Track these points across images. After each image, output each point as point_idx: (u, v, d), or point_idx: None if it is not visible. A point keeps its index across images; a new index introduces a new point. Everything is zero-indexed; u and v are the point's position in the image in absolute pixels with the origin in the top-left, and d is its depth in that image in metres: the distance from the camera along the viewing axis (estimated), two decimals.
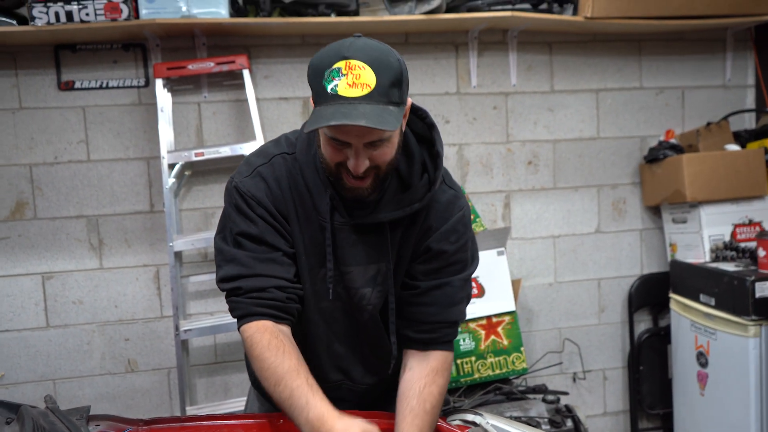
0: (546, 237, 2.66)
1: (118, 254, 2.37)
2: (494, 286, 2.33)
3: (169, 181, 2.21)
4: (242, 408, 2.17)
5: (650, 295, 2.73)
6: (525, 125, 2.60)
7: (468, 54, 2.51)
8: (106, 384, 2.39)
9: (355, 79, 0.98)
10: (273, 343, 1.07)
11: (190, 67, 2.21)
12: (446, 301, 1.17)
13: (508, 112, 2.58)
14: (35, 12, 2.04)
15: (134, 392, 2.41)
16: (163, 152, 2.21)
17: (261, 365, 1.07)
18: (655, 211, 2.74)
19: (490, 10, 2.33)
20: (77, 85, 2.29)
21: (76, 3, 2.04)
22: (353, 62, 0.98)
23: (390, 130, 0.97)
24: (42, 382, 2.35)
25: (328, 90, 0.99)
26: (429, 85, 2.52)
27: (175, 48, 2.33)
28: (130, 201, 2.36)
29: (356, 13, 2.27)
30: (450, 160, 2.55)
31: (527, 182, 2.62)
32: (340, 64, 0.98)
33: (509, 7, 2.34)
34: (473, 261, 1.21)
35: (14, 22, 2.10)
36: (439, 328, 1.18)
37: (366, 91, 0.97)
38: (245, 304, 1.11)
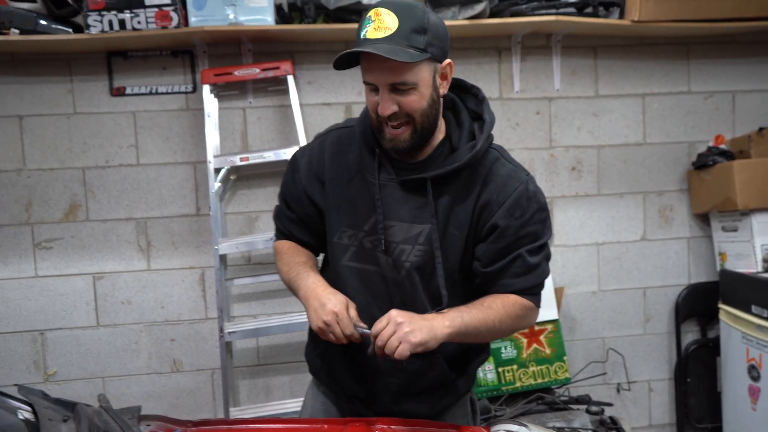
0: (589, 244, 2.62)
1: (165, 256, 2.41)
2: None
3: (215, 185, 2.24)
4: (283, 411, 2.22)
5: (698, 305, 2.66)
6: (568, 130, 2.57)
7: (511, 58, 2.50)
8: (153, 383, 2.44)
9: (380, 23, 1.10)
10: (290, 247, 1.34)
11: (236, 73, 2.25)
12: (521, 270, 1.20)
13: (551, 117, 2.55)
14: (90, 20, 2.11)
15: (179, 392, 2.46)
16: (210, 157, 2.25)
17: (280, 258, 1.33)
18: (703, 218, 2.68)
19: (534, 15, 2.30)
20: (128, 90, 2.35)
21: (128, 11, 2.09)
22: (380, 9, 1.11)
23: (400, 61, 1.06)
24: (92, 379, 2.42)
25: (361, 36, 1.12)
26: None
27: (222, 54, 2.36)
28: (177, 204, 2.40)
29: None
30: None
31: (570, 188, 2.58)
32: (371, 13, 1.12)
33: (554, 11, 2.32)
34: (545, 231, 1.23)
35: (70, 30, 2.18)
36: (519, 292, 1.22)
37: (387, 33, 1.09)
38: (277, 233, 1.40)
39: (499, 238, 1.21)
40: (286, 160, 2.18)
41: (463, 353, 1.32)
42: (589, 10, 2.37)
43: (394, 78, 1.11)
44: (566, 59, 2.53)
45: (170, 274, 2.41)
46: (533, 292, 1.24)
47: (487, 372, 2.31)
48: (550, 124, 2.56)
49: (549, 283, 2.35)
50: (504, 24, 2.29)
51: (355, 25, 2.17)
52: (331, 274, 1.30)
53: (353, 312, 1.16)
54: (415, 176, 1.20)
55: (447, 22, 2.13)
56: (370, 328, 1.13)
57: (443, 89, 1.19)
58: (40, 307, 2.38)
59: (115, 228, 2.39)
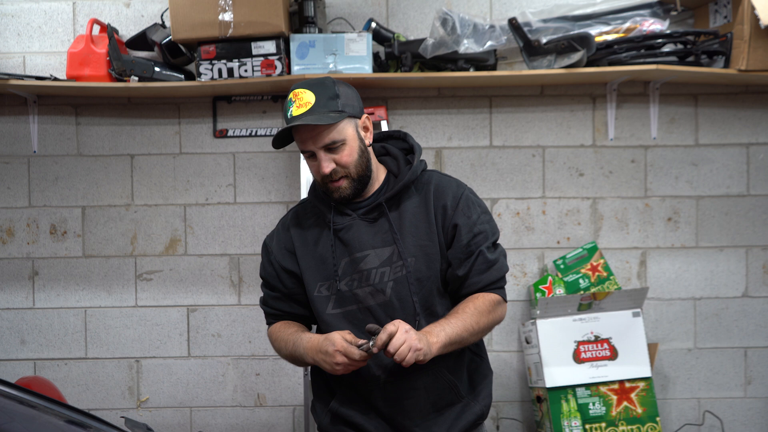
0: (685, 299, 2.50)
1: (255, 292, 2.42)
2: (628, 349, 2.24)
3: None
4: None
5: None
6: (665, 180, 2.48)
7: (606, 106, 2.44)
8: (237, 416, 2.47)
9: (299, 101, 1.31)
10: (281, 326, 1.43)
11: None
12: (484, 266, 1.34)
13: (647, 165, 2.47)
14: (202, 69, 2.19)
15: (261, 426, 2.47)
16: (303, 197, 2.21)
17: (276, 340, 1.43)
18: None
19: (633, 63, 2.24)
20: (230, 133, 2.42)
21: (237, 60, 2.16)
22: (297, 90, 1.32)
23: (325, 124, 1.27)
24: (180, 408, 2.47)
25: (288, 116, 1.32)
26: (564, 137, 2.48)
27: None
28: None
29: (494, 68, 2.28)
30: (583, 214, 2.47)
31: (666, 239, 2.48)
32: (291, 95, 1.33)
33: (653, 60, 2.25)
34: (494, 230, 1.40)
35: (182, 77, 2.29)
36: (486, 288, 1.36)
37: (308, 107, 1.29)
38: (268, 319, 1.50)
39: (461, 236, 1.35)
40: None
41: (459, 364, 1.41)
42: (691, 59, 2.30)
43: (324, 140, 1.30)
44: (664, 107, 2.46)
45: (259, 309, 2.18)
46: (498, 286, 1.38)
47: (573, 428, 2.23)
48: (645, 172, 2.48)
49: (641, 339, 2.24)
50: (600, 72, 2.24)
51: (450, 74, 2.22)
52: (320, 326, 1.42)
53: (349, 336, 1.27)
54: (370, 206, 1.35)
55: (542, 72, 2.18)
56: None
57: (368, 139, 1.37)
58: (137, 336, 2.47)
59: (209, 263, 2.45)
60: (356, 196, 1.36)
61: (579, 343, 2.17)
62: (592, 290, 2.27)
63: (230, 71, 2.16)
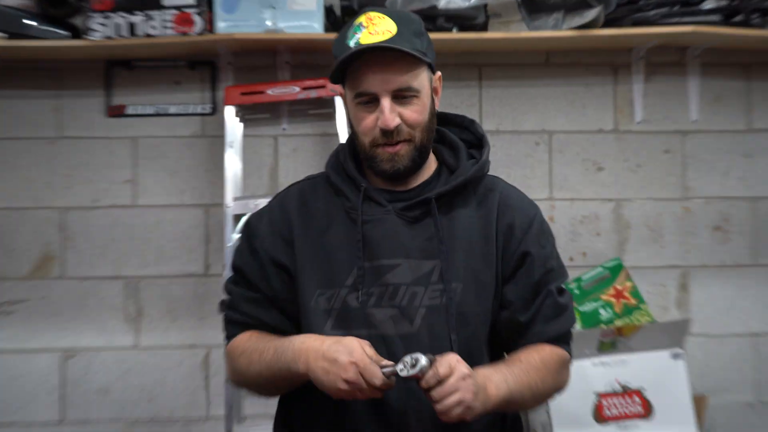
0: (742, 334, 2.18)
1: (159, 329, 2.08)
2: (667, 402, 1.96)
3: (233, 236, 1.98)
4: None
5: None
6: (710, 176, 2.18)
7: (630, 79, 2.14)
8: None
9: (374, 28, 1.14)
10: (254, 335, 1.22)
11: (269, 92, 2.01)
12: (552, 313, 1.22)
13: (686, 157, 2.18)
14: (93, 23, 1.90)
15: None
16: (228, 199, 1.97)
17: (244, 348, 1.21)
18: None
19: (665, 24, 1.98)
20: (129, 110, 2.10)
21: (141, 13, 1.90)
22: (372, 14, 1.16)
23: (416, 55, 1.12)
24: None
25: (351, 45, 1.13)
26: (576, 120, 2.16)
27: (251, 67, 2.08)
28: (180, 260, 2.09)
29: (484, 28, 2.02)
30: (603, 221, 2.17)
31: (713, 255, 2.18)
32: (361, 19, 1.16)
33: (691, 19, 1.99)
34: (563, 269, 1.28)
35: (66, 33, 1.96)
36: (552, 341, 1.22)
37: (387, 36, 1.12)
38: (231, 330, 1.26)
39: (531, 271, 1.21)
40: None
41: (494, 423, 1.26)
42: (740, 18, 2.02)
43: (400, 82, 1.15)
44: (707, 80, 2.17)
45: (165, 354, 2.09)
46: (567, 341, 1.25)
47: None
48: (683, 166, 2.18)
49: (684, 389, 1.97)
50: (623, 35, 1.98)
51: (436, 34, 1.96)
52: None
53: (370, 350, 1.07)
54: (416, 199, 1.20)
55: (547, 33, 1.98)
56: (396, 359, 1.07)
57: (436, 105, 1.25)
58: None
59: (96, 288, 2.08)
60: (408, 175, 1.21)
61: (601, 395, 1.96)
62: (617, 323, 2.05)
63: (131, 27, 1.91)
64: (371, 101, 1.15)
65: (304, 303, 1.20)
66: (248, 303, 1.23)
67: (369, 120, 1.16)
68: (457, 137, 1.29)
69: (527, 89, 2.15)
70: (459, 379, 1.03)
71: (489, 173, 1.28)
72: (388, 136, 1.16)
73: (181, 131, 2.08)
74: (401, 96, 1.16)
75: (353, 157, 1.23)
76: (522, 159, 2.15)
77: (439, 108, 1.26)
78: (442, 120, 1.30)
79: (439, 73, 1.21)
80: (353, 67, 1.14)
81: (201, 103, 2.09)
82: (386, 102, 1.14)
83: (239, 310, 1.24)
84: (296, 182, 1.32)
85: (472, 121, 1.31)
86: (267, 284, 1.23)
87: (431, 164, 1.26)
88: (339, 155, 1.26)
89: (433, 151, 1.27)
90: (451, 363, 1.05)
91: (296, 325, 1.22)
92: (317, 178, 1.30)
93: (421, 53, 1.15)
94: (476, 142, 1.29)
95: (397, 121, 1.15)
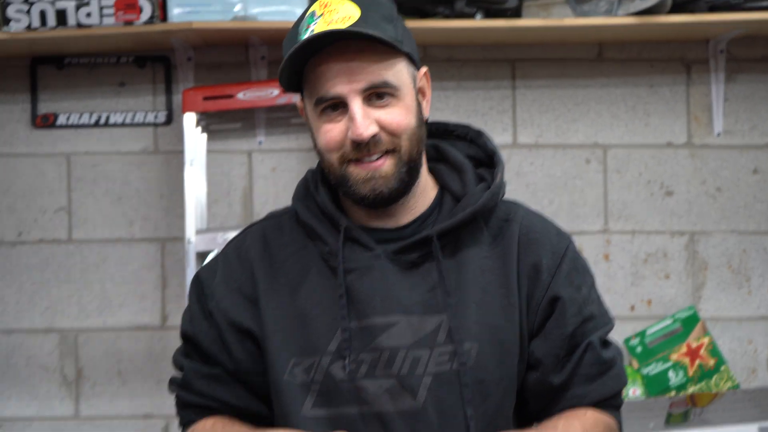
0: None
1: (105, 394, 1.89)
2: None
3: None
4: None
5: None
6: None
7: (708, 78, 1.93)
8: None
9: (332, 15, 1.00)
10: (216, 423, 1.10)
11: (240, 96, 1.84)
12: (595, 371, 1.06)
13: None
14: (12, 12, 1.75)
15: None
16: (190, 232, 1.82)
17: None
18: None
19: (752, 9, 1.78)
20: (61, 120, 1.90)
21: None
22: (327, 0, 1.02)
23: (381, 38, 0.96)
24: None
25: (303, 38, 1.00)
26: (638, 131, 1.94)
27: (217, 64, 1.91)
28: (130, 308, 1.91)
29: (518, 14, 1.82)
30: (673, 260, 1.96)
31: None
32: (314, 7, 1.02)
33: None
34: (607, 313, 1.12)
35: None
36: (598, 403, 1.07)
37: (348, 23, 0.97)
38: (184, 414, 1.16)
39: (563, 320, 1.05)
40: None
41: None
42: None
43: (371, 77, 0.99)
44: None
45: (112, 425, 1.90)
46: (615, 404, 1.09)
47: None
48: None
49: None
50: (698, 24, 1.78)
51: (442, 23, 1.81)
52: None
53: None
54: (412, 239, 1.05)
55: (599, 20, 1.83)
56: None
57: (425, 110, 1.06)
58: None
59: (25, 345, 1.90)
60: (396, 200, 1.04)
61: None
62: (691, 390, 1.94)
63: (61, 16, 1.77)
64: (336, 107, 0.99)
65: (275, 376, 1.07)
66: (205, 380, 1.10)
67: (335, 132, 1.00)
68: (461, 154, 1.14)
69: (574, 91, 1.93)
70: None
71: (504, 198, 1.15)
72: (363, 149, 1.00)
73: (127, 146, 1.89)
74: (375, 96, 1.00)
75: (327, 187, 1.08)
76: (569, 181, 1.93)
77: (440, 113, 1.11)
78: (440, 132, 1.14)
79: (425, 69, 1.05)
80: (309, 67, 1.00)
81: (153, 110, 1.91)
82: (356, 105, 0.98)
83: (194, 389, 1.09)
84: (254, 223, 1.18)
85: (480, 133, 1.16)
86: (227, 356, 1.09)
87: (428, 190, 1.09)
88: (309, 185, 1.10)
89: (431, 173, 1.11)
90: None
91: (267, 403, 1.12)
92: (283, 215, 1.15)
93: (396, 41, 1.00)
94: (486, 159, 1.14)
95: (372, 129, 0.99)
